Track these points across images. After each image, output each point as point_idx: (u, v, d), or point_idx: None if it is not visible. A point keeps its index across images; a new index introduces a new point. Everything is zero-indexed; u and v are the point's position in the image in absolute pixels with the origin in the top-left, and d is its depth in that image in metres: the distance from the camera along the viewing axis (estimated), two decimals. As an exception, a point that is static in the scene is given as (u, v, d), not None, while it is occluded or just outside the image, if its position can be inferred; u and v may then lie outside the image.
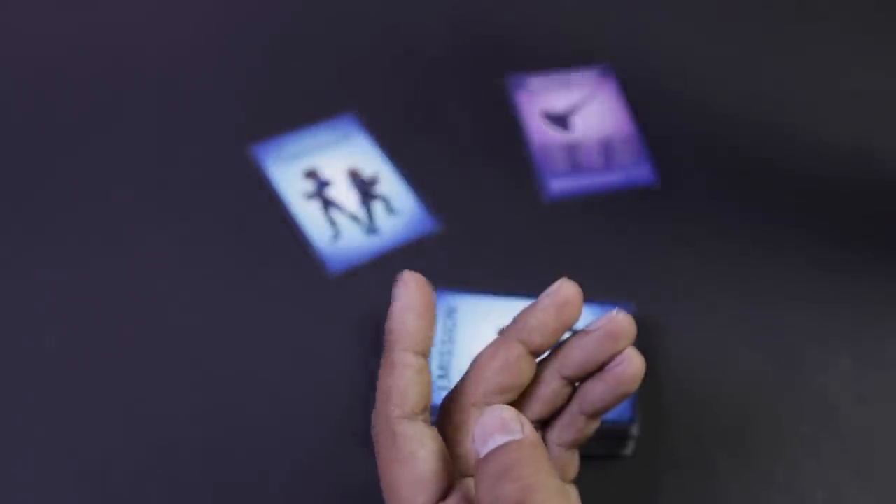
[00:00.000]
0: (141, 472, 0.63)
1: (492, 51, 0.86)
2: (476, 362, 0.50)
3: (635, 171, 0.78)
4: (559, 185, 0.77)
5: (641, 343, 0.67)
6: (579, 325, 0.67)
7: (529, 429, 0.45)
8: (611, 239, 0.75)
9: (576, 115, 0.82)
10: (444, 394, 0.63)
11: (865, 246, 0.75)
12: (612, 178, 0.77)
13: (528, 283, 0.70)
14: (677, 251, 0.74)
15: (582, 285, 0.71)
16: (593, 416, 0.51)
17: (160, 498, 0.62)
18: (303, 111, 0.82)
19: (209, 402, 0.66)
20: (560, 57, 0.85)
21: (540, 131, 0.80)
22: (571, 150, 0.79)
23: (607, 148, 0.79)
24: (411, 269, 0.73)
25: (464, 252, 0.74)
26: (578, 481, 0.64)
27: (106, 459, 0.64)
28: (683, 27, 0.88)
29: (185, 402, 0.66)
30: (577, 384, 0.51)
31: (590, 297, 0.68)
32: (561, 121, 0.80)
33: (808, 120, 0.82)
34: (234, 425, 0.65)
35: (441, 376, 0.64)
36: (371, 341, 0.69)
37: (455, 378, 0.64)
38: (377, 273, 0.73)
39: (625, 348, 0.49)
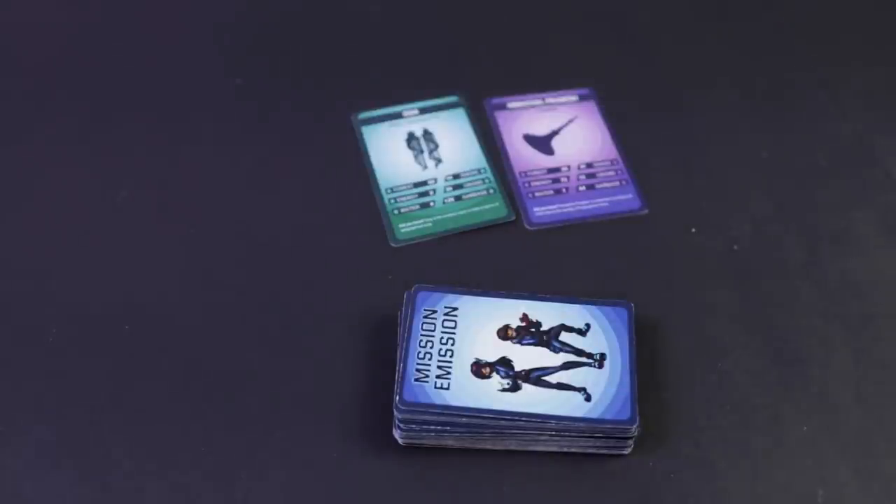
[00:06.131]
0: (141, 471, 0.63)
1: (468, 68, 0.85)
2: None
3: (621, 197, 0.77)
4: (542, 213, 0.76)
5: (642, 343, 0.67)
6: (573, 322, 0.67)
7: None
8: (609, 243, 0.75)
9: (557, 139, 0.80)
10: (444, 394, 0.64)
11: (863, 244, 0.75)
12: (597, 206, 0.76)
13: (527, 283, 0.70)
14: (677, 252, 0.74)
15: (582, 285, 0.71)
16: None
17: (160, 497, 0.63)
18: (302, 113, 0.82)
19: (208, 401, 0.66)
20: (540, 78, 0.84)
21: (520, 155, 0.79)
22: (554, 174, 0.78)
23: (589, 174, 0.78)
24: (413, 268, 0.72)
25: (465, 252, 0.74)
26: (578, 481, 0.64)
27: (106, 458, 0.64)
28: (666, 47, 0.88)
29: (185, 401, 0.66)
30: None
31: (590, 296, 0.68)
32: (543, 145, 0.78)
33: (794, 133, 0.82)
34: (234, 425, 0.65)
35: (441, 376, 0.64)
36: (371, 341, 0.69)
37: (455, 378, 0.64)
38: (377, 273, 0.73)
39: None
